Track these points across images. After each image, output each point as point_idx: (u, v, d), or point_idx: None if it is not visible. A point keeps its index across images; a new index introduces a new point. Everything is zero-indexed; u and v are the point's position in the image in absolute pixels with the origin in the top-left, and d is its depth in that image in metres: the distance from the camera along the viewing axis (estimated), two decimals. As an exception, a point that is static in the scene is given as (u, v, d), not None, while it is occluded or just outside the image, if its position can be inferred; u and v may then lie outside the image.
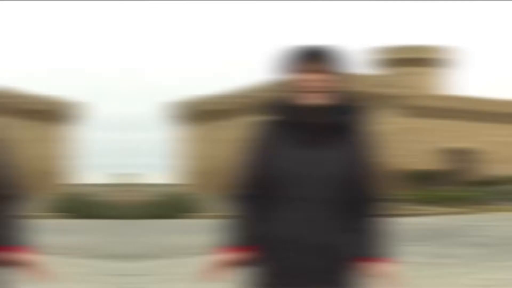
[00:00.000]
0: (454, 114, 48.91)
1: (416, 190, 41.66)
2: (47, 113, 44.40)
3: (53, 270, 2.83)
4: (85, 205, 23.26)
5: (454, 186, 44.66)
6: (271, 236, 2.49)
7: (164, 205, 23.99)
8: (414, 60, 57.09)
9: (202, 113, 50.80)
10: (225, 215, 2.57)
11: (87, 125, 47.79)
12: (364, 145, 2.54)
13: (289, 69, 2.53)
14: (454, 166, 49.23)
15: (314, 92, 2.48)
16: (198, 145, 52.57)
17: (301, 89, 2.49)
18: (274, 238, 2.48)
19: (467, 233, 16.16)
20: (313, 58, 2.49)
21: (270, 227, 2.49)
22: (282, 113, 2.54)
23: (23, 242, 2.60)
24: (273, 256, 2.48)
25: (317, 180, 2.46)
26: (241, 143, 2.62)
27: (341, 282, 2.48)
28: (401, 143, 45.17)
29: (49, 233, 12.87)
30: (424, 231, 17.15)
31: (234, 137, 41.90)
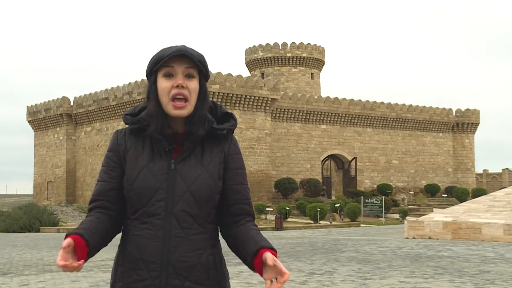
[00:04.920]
0: (327, 118, 48.09)
1: (289, 201, 40.82)
2: None
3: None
4: None
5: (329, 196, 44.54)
6: (126, 255, 2.31)
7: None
8: (283, 59, 54.80)
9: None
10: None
11: None
12: (231, 155, 2.39)
13: (153, 73, 2.32)
14: (329, 175, 48.71)
15: (179, 98, 2.29)
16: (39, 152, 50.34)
17: (165, 95, 2.29)
18: (129, 257, 2.29)
19: (343, 249, 16.00)
20: (179, 61, 2.29)
21: (126, 245, 2.33)
22: (141, 121, 2.34)
23: None
24: (127, 276, 2.28)
25: (178, 195, 2.28)
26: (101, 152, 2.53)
27: None
28: (274, 149, 44.20)
29: None
30: (306, 246, 16.74)
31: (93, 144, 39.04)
